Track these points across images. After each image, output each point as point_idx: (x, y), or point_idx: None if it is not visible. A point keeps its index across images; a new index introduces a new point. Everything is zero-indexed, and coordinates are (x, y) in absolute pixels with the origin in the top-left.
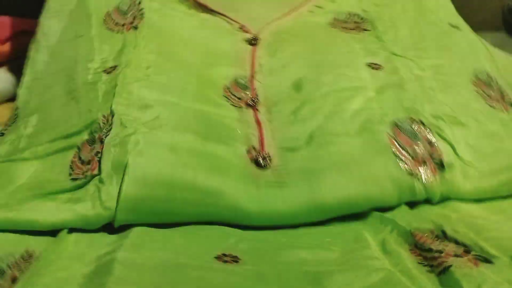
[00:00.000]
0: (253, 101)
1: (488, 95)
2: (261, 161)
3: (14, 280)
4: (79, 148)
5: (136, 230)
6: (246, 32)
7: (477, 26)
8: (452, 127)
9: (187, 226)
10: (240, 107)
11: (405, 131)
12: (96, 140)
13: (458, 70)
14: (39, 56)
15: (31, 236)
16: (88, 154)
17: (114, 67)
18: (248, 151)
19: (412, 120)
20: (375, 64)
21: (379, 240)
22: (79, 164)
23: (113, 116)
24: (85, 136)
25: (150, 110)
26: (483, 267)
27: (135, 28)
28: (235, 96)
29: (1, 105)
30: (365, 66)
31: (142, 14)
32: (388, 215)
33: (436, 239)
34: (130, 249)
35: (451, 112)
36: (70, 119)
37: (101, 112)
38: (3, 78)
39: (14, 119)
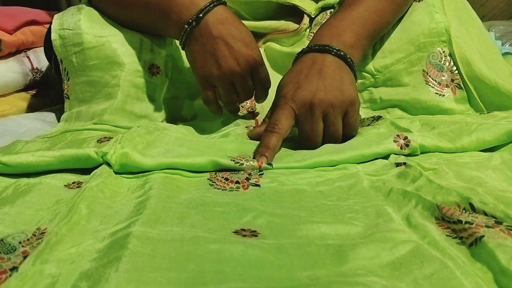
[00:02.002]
0: (252, 109)
1: (438, 82)
2: None
3: (26, 256)
4: None
5: (151, 206)
6: None
7: (490, 15)
8: None
9: (204, 204)
10: (243, 113)
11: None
12: None
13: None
14: None
15: (43, 214)
16: None
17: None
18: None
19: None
20: None
21: (403, 214)
22: None
23: None
24: None
25: None
26: None
27: None
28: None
29: (12, 95)
30: None
31: None
32: (411, 189)
33: (463, 211)
34: (146, 224)
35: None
36: None
37: None
38: (13, 68)
39: None
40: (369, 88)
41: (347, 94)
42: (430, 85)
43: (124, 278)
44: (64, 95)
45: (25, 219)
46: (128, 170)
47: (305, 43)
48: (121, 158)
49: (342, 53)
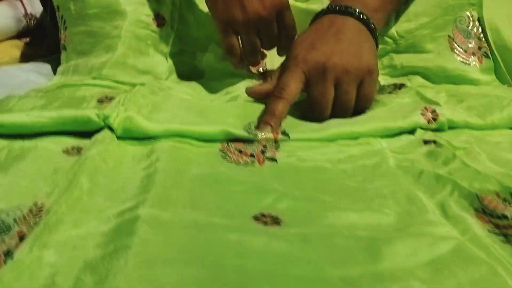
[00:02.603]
0: (263, 69)
1: (464, 50)
2: None
3: (22, 237)
4: None
5: (160, 182)
6: None
7: None
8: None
9: (217, 181)
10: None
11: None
12: None
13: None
14: None
15: (40, 185)
16: None
17: None
18: None
19: None
20: None
21: (437, 202)
22: None
23: None
24: None
25: None
26: None
27: None
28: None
29: (4, 43)
30: None
31: None
32: (444, 172)
33: (504, 202)
34: (156, 205)
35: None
36: None
37: None
38: (5, 13)
39: None
40: (390, 54)
41: (365, 61)
42: (455, 53)
43: (134, 276)
44: (61, 45)
45: (20, 192)
46: (132, 135)
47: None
48: (124, 122)
49: (364, 16)
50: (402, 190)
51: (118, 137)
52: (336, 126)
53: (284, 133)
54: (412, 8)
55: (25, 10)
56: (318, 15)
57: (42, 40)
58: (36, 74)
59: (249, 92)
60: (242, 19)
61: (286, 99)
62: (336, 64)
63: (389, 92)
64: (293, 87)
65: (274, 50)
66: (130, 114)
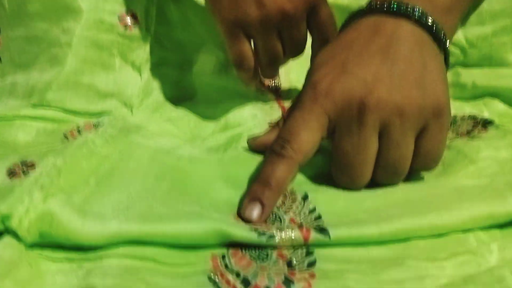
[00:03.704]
0: (274, 85)
1: None
2: None
3: None
4: None
5: None
6: None
7: None
8: None
9: None
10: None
11: None
12: None
13: None
14: None
15: None
16: None
17: None
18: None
19: None
20: None
21: None
22: None
23: None
24: None
25: None
26: None
27: None
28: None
29: None
30: None
31: None
32: None
33: None
34: None
35: None
36: None
37: None
38: None
39: None
40: (456, 67)
41: (432, 95)
42: None
43: None
44: None
45: None
46: (54, 242)
47: None
48: (41, 222)
49: (429, 21)
50: None
51: (30, 245)
52: (405, 211)
53: (322, 229)
54: (486, 6)
55: None
56: (354, 17)
57: None
58: None
59: (251, 143)
60: (258, 18)
61: (291, 158)
62: (382, 99)
63: (468, 133)
64: (305, 138)
65: None
66: (51, 207)
